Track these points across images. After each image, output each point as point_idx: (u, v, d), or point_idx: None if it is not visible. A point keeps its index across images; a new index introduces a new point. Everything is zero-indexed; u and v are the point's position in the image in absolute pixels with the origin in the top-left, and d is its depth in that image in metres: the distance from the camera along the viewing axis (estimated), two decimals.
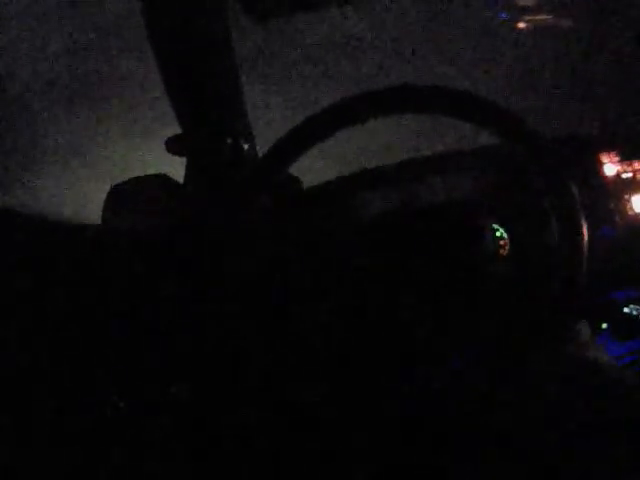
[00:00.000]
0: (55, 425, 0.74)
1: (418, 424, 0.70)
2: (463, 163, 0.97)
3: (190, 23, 0.79)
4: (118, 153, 2.03)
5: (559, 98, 1.98)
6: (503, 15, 2.33)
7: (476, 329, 0.71)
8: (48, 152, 2.06)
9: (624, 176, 0.97)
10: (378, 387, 0.71)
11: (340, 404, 0.72)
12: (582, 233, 0.66)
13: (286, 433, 0.73)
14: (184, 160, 0.92)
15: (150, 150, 1.68)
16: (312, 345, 0.75)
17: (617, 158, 0.97)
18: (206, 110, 0.87)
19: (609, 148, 0.98)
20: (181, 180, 0.91)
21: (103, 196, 0.86)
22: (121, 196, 0.86)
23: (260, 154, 0.95)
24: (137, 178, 0.87)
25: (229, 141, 0.90)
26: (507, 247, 0.91)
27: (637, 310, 0.92)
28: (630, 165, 0.98)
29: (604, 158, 0.97)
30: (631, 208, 0.96)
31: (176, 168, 0.91)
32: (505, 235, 0.91)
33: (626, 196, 0.96)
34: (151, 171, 0.89)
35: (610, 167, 0.97)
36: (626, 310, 0.93)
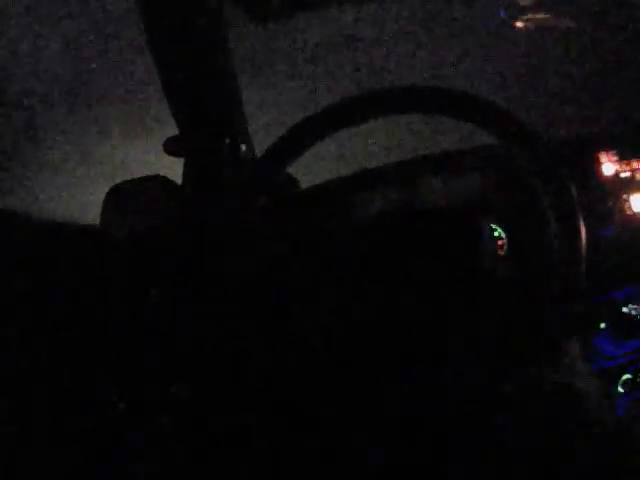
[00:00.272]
0: (55, 425, 0.74)
1: (418, 424, 0.70)
2: (463, 163, 0.97)
3: (188, 23, 0.80)
4: (118, 153, 2.03)
5: (559, 98, 1.98)
6: (503, 14, 2.33)
7: (476, 329, 0.71)
8: (48, 152, 2.06)
9: (622, 175, 0.97)
10: (378, 387, 0.71)
11: (340, 404, 0.72)
12: (580, 233, 0.66)
13: (286, 433, 0.73)
14: (183, 160, 0.92)
15: (150, 150, 1.68)
16: (312, 345, 0.75)
17: (615, 158, 0.97)
18: (204, 110, 0.87)
19: (607, 148, 0.98)
20: (180, 181, 0.91)
21: (102, 196, 0.86)
22: (120, 197, 0.86)
23: (259, 154, 0.95)
24: (136, 178, 0.87)
25: (227, 141, 0.90)
26: (505, 247, 0.91)
27: (636, 310, 0.92)
28: (628, 164, 0.98)
29: (602, 158, 0.97)
30: (630, 207, 0.96)
31: (175, 169, 0.91)
32: (503, 235, 0.92)
33: (624, 195, 0.96)
34: (150, 171, 0.89)
35: (608, 166, 0.97)
36: (625, 310, 0.93)
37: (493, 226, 0.91)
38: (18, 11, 2.15)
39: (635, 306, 0.92)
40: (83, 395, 0.76)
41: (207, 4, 0.81)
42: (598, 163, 0.97)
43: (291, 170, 0.74)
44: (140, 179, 0.87)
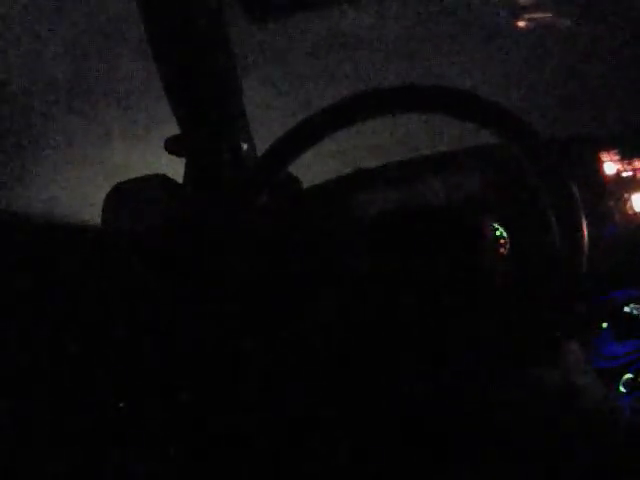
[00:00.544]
0: (55, 425, 0.74)
1: (418, 424, 0.70)
2: (463, 163, 0.97)
3: (188, 23, 0.80)
4: (118, 153, 2.03)
5: (559, 98, 1.98)
6: (503, 14, 2.33)
7: (476, 329, 0.71)
8: (48, 152, 2.06)
9: (624, 175, 0.97)
10: (378, 387, 0.71)
11: (340, 404, 0.72)
12: (582, 232, 0.66)
13: (286, 433, 0.73)
14: (184, 160, 0.92)
15: (150, 150, 1.68)
16: (312, 345, 0.75)
17: (617, 157, 0.97)
18: (205, 110, 0.87)
19: (609, 147, 0.98)
20: (181, 180, 0.91)
21: (103, 196, 0.86)
22: (121, 196, 0.86)
23: (259, 154, 0.95)
24: (137, 178, 0.87)
25: (228, 141, 0.90)
26: (507, 246, 0.91)
27: (637, 309, 0.92)
28: (630, 164, 0.97)
29: (604, 157, 0.97)
30: (631, 207, 0.96)
31: (176, 168, 0.91)
32: (505, 234, 0.92)
33: (626, 195, 0.96)
34: (151, 171, 0.89)
35: (610, 166, 0.97)
36: (626, 309, 0.93)
37: (495, 226, 0.91)
38: (18, 11, 2.15)
39: (636, 306, 0.92)
40: (83, 395, 0.76)
41: (207, 4, 0.81)
42: (600, 162, 0.97)
43: (291, 170, 0.74)
44: (141, 179, 0.87)
